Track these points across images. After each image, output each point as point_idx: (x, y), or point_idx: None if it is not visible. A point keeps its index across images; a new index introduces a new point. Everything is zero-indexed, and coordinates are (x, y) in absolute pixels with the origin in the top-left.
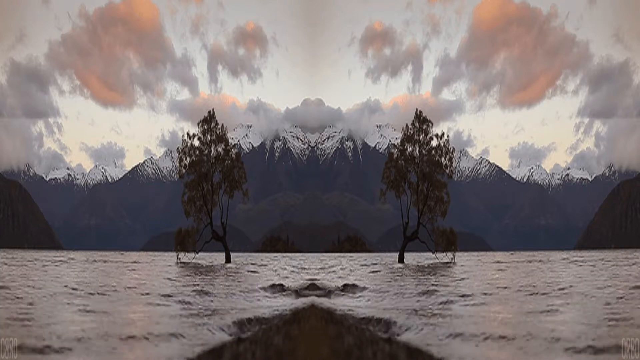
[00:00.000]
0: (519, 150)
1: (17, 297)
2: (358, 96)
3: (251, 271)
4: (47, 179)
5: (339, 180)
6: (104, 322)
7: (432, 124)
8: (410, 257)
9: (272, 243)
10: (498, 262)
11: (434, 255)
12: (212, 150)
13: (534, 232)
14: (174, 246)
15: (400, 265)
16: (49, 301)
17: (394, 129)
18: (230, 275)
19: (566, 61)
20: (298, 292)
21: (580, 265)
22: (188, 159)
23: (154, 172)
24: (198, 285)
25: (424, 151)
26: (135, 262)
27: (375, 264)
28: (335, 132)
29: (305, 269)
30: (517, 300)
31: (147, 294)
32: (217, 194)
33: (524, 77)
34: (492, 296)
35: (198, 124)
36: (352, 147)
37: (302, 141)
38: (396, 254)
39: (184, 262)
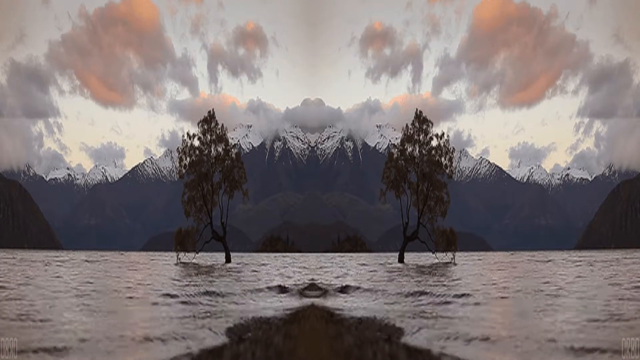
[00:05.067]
0: (519, 150)
1: (17, 298)
2: (358, 96)
3: (252, 271)
4: (47, 179)
5: (339, 180)
6: (104, 322)
7: (432, 124)
8: (410, 257)
9: (272, 243)
10: (498, 262)
11: (434, 256)
12: (212, 150)
13: (534, 232)
14: (174, 246)
15: (400, 265)
16: (49, 301)
17: (394, 129)
18: (231, 275)
19: (566, 61)
20: (298, 292)
21: (578, 265)
22: (188, 159)
23: (154, 172)
24: (198, 285)
25: (424, 151)
26: (135, 262)
27: (376, 265)
28: (335, 132)
29: (305, 269)
30: (516, 300)
31: (146, 294)
32: (217, 194)
33: (524, 77)
34: (491, 296)
35: (198, 124)
36: (352, 147)
37: (302, 141)
38: (396, 254)
39: (184, 262)
